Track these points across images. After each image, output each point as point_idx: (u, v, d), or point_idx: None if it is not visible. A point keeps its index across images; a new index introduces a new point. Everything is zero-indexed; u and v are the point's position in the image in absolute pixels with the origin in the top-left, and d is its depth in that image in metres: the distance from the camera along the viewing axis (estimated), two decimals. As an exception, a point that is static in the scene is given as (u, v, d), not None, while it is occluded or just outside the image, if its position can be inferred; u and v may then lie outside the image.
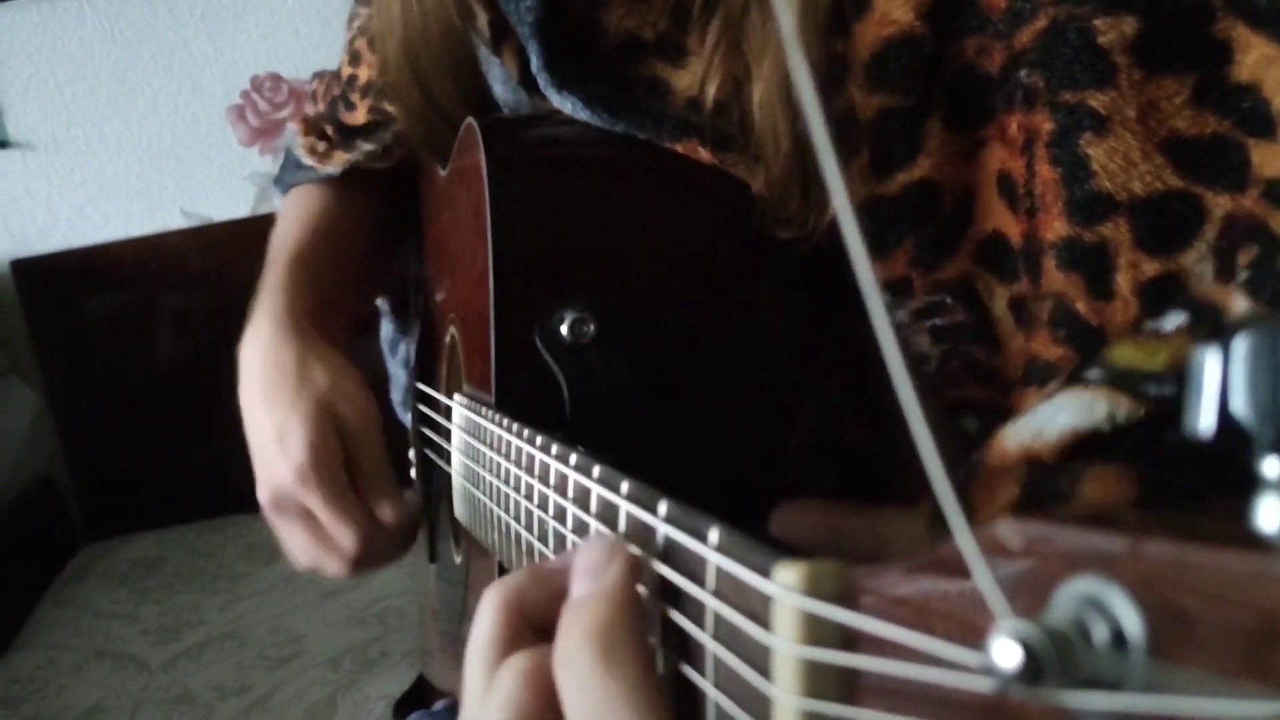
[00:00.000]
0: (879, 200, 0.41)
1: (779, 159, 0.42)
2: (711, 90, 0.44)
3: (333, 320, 0.68)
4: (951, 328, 0.41)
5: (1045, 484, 0.35)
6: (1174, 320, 0.35)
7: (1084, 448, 0.34)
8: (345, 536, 0.59)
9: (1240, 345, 0.13)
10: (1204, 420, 0.13)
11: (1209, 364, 0.13)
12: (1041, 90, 0.37)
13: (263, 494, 0.61)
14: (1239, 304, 0.33)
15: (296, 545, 0.62)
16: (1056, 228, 0.37)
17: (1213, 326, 0.33)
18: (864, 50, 0.40)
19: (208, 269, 1.64)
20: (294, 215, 0.73)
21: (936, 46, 0.39)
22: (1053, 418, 0.35)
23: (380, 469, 0.61)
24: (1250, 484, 0.13)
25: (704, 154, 0.45)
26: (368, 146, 0.69)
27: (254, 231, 0.73)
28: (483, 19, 0.52)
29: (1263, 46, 0.34)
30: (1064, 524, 0.15)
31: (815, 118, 0.18)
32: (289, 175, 0.76)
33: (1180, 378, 0.34)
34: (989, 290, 0.41)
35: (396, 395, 0.83)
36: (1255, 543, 0.12)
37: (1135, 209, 0.35)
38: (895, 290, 0.42)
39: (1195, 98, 0.35)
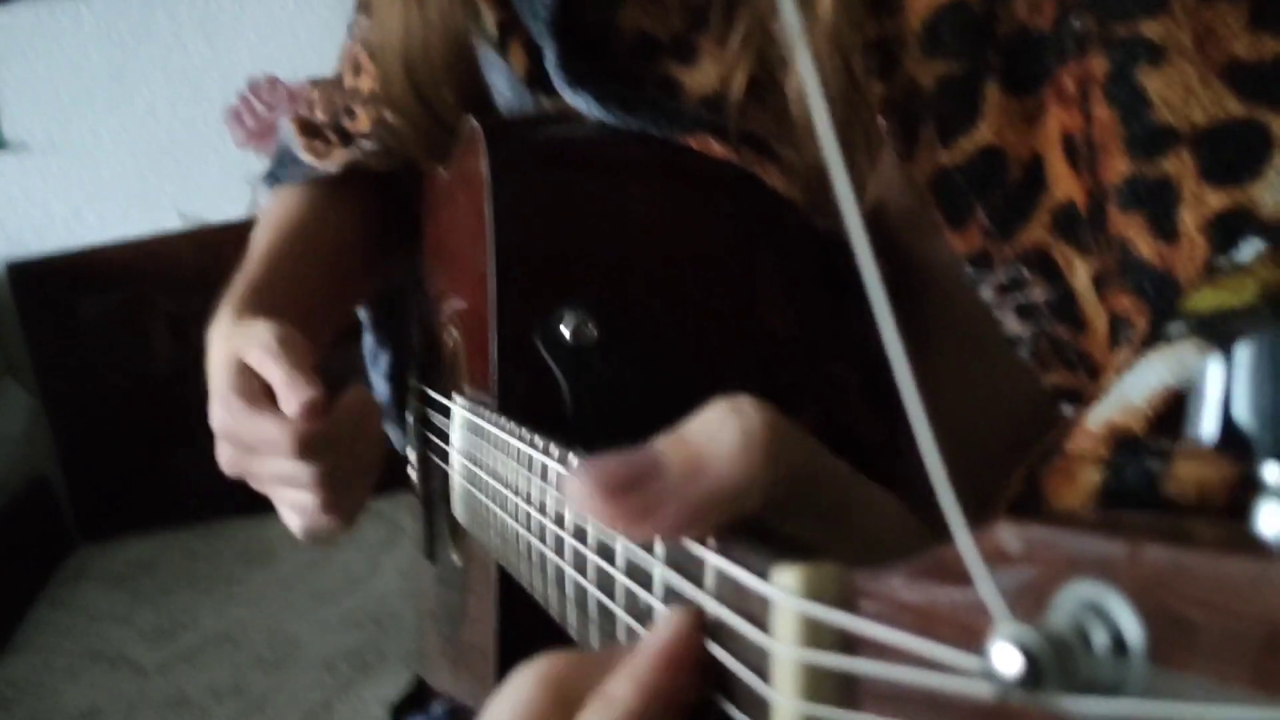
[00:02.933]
0: (948, 170, 0.41)
1: (819, 147, 0.42)
2: (737, 87, 0.44)
3: (295, 311, 0.67)
4: (1035, 306, 0.41)
5: (1131, 466, 0.32)
6: (1250, 249, 0.33)
7: (1184, 409, 0.32)
8: (274, 440, 0.55)
9: (1243, 352, 0.13)
10: (1207, 426, 0.13)
11: (1211, 370, 0.14)
12: (1094, 31, 0.36)
13: (222, 462, 0.59)
14: None
15: (275, 496, 0.59)
16: (1117, 168, 0.36)
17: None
18: (916, 20, 0.40)
19: (204, 271, 1.63)
20: (275, 216, 0.72)
21: (987, 7, 0.39)
22: (1139, 381, 0.32)
23: (284, 375, 0.55)
24: (1253, 489, 0.13)
25: (717, 148, 0.45)
26: (368, 145, 0.69)
27: (250, 234, 0.73)
28: (489, 19, 0.53)
29: None
30: (1064, 527, 0.15)
31: (819, 109, 0.18)
32: (283, 171, 0.75)
33: (1278, 306, 0.32)
34: (1068, 263, 0.40)
35: None
36: (1256, 548, 0.12)
37: (1198, 139, 0.34)
38: (978, 264, 0.41)
39: (1254, 19, 0.34)
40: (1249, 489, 0.32)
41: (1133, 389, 0.32)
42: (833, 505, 0.26)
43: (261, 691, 1.12)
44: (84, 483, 1.70)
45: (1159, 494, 0.32)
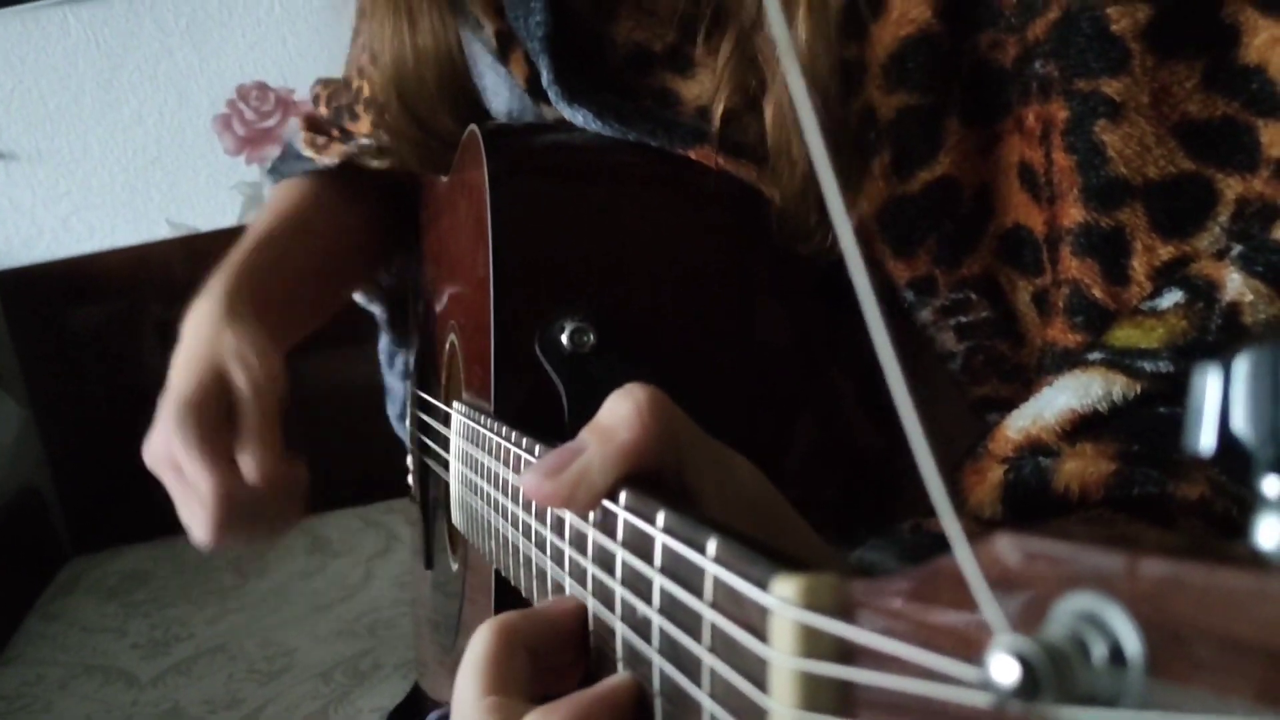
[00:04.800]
0: (901, 200, 0.41)
1: (795, 174, 0.42)
2: (721, 104, 0.44)
3: (287, 309, 0.66)
4: (976, 324, 0.42)
5: (1027, 462, 0.36)
6: (1170, 298, 0.35)
7: (1084, 428, 0.35)
8: (202, 481, 0.56)
9: (1242, 364, 0.13)
10: (1205, 439, 0.13)
11: (1210, 382, 0.14)
12: (1056, 80, 0.37)
13: (145, 450, 0.60)
14: (1233, 279, 0.34)
15: (178, 506, 0.60)
16: (1073, 214, 0.37)
17: (1207, 299, 0.34)
18: (882, 51, 0.41)
19: (194, 279, 1.62)
20: (274, 204, 0.73)
21: (953, 43, 0.40)
22: (1051, 400, 0.36)
23: (257, 428, 0.58)
24: (1251, 502, 0.13)
25: (717, 160, 0.45)
26: (366, 142, 0.69)
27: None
28: (489, 29, 0.53)
29: (1271, 28, 0.35)
30: (1063, 540, 0.15)
31: (814, 135, 0.18)
32: (285, 165, 0.76)
33: (1176, 353, 0.35)
34: (1011, 284, 0.41)
35: (393, 409, 0.83)
36: (1255, 561, 0.12)
37: (1150, 193, 0.36)
38: (920, 289, 0.42)
39: (1205, 81, 0.35)
40: (1125, 484, 0.34)
41: (1047, 406, 0.36)
42: (710, 462, 0.31)
43: (257, 702, 1.11)
44: (76, 493, 1.69)
45: (1049, 488, 0.34)
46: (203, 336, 0.60)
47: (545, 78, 0.48)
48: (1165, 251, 0.36)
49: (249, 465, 0.57)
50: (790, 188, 0.42)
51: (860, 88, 0.41)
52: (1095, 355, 0.36)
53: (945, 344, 0.43)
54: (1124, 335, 0.35)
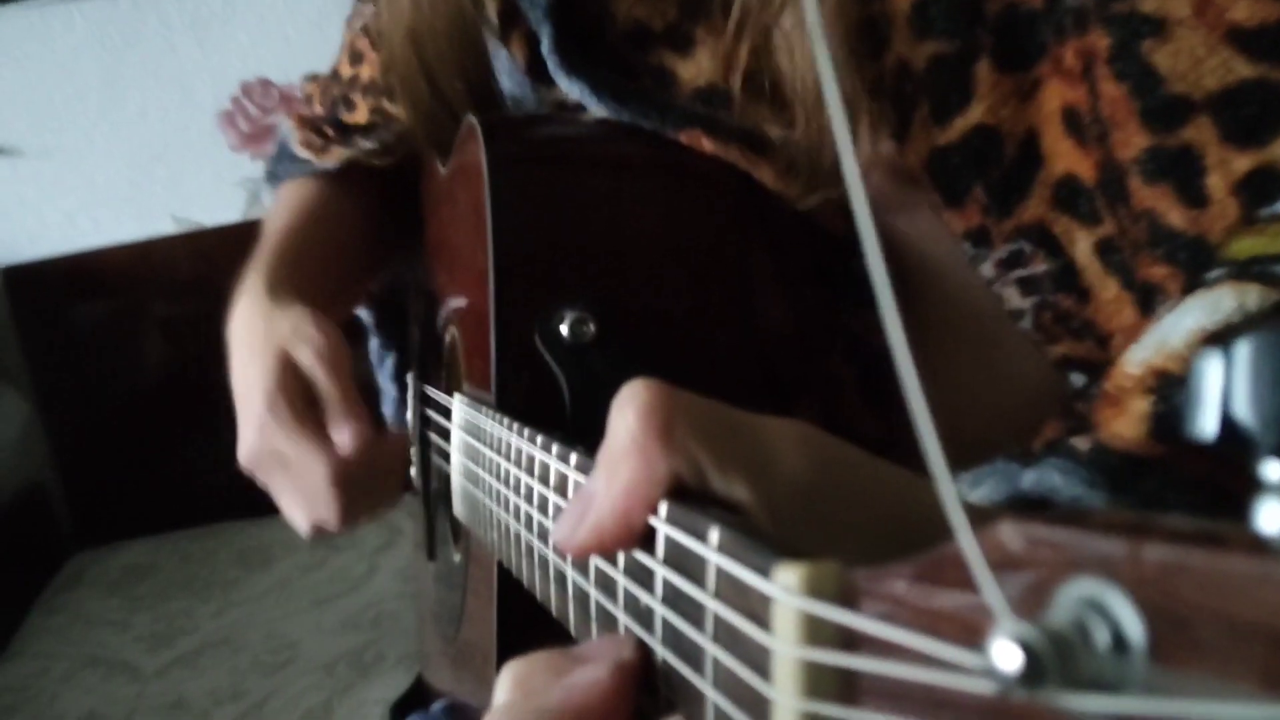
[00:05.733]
0: (945, 149, 0.41)
1: (816, 113, 0.42)
2: (737, 78, 0.44)
3: (324, 292, 0.66)
4: (1037, 278, 0.41)
5: (1177, 391, 0.32)
6: None
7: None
8: (313, 466, 0.55)
9: (1242, 349, 0.13)
10: (1206, 424, 0.14)
11: (1211, 368, 0.14)
12: (1091, 9, 0.37)
13: (241, 455, 0.59)
14: None
15: (287, 502, 0.59)
16: (1135, 142, 0.36)
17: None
18: (904, 2, 0.40)
19: (199, 275, 1.63)
20: (287, 201, 0.73)
21: None
22: (1175, 325, 0.33)
23: (339, 398, 0.57)
24: (1253, 487, 0.13)
25: (707, 144, 0.45)
26: (367, 144, 0.69)
27: (245, 237, 0.73)
28: (491, 7, 0.53)
29: None
30: (1066, 525, 0.15)
31: (832, 91, 0.18)
32: (282, 168, 0.76)
33: None
34: (1069, 235, 0.41)
35: (388, 409, 0.83)
36: (1256, 546, 0.12)
37: (1214, 105, 0.35)
38: (976, 241, 0.42)
39: None
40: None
41: (1171, 332, 0.33)
42: (734, 460, 0.27)
43: (261, 695, 1.12)
44: (80, 488, 1.69)
45: None
46: (256, 331, 0.59)
47: (545, 45, 0.48)
48: (1242, 163, 0.35)
49: (343, 437, 0.55)
50: (811, 128, 0.42)
51: (889, 42, 0.41)
52: (1216, 273, 0.33)
53: (1012, 300, 0.42)
54: (1246, 246, 0.34)
